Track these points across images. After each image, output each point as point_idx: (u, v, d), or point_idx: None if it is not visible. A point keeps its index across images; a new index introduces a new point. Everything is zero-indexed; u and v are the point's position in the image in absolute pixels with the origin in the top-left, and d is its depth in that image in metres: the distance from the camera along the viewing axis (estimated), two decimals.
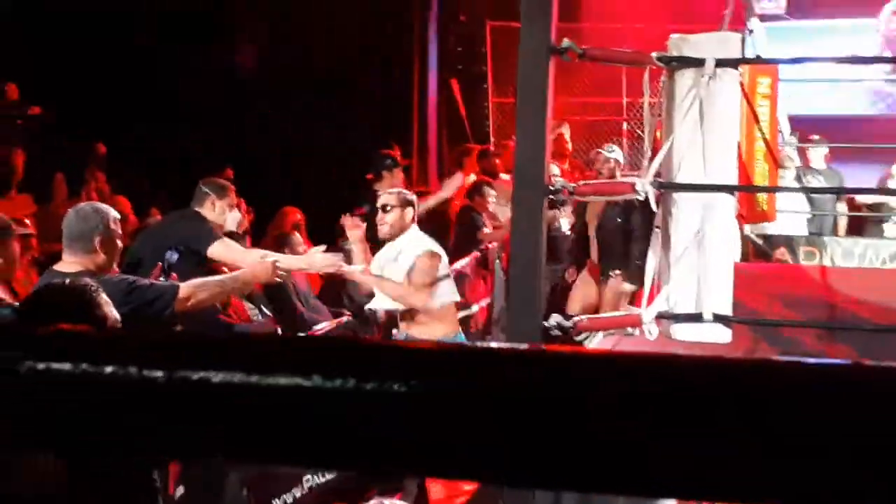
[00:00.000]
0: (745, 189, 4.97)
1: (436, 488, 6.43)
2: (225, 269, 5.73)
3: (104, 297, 3.23)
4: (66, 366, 0.60)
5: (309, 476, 5.24)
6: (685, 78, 4.17)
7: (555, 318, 4.15)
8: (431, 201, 8.59)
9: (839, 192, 10.61)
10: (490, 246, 9.11)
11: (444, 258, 6.34)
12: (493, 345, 0.60)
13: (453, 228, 9.25)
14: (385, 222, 6.29)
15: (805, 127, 10.49)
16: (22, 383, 0.61)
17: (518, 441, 0.58)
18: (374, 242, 6.46)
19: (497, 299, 8.93)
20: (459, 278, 8.64)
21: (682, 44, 4.19)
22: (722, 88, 4.15)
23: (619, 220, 7.96)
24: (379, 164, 8.53)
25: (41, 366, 0.60)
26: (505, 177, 9.65)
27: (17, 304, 4.58)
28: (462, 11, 15.92)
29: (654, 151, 4.37)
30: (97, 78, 14.11)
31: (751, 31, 8.38)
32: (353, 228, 6.32)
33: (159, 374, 0.59)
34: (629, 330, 4.32)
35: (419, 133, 15.57)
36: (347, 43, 14.54)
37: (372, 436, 0.58)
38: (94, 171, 13.10)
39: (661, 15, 12.24)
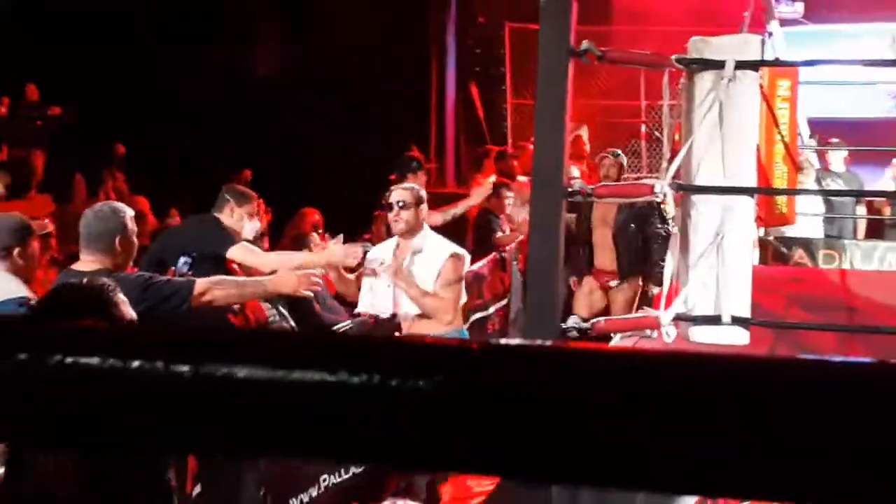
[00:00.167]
0: (765, 192, 4.95)
1: (446, 489, 6.43)
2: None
3: (121, 297, 3.24)
4: (94, 360, 0.60)
5: (326, 476, 5.25)
6: (704, 80, 4.16)
7: (572, 320, 4.15)
8: (459, 208, 8.56)
9: (859, 195, 10.55)
10: (507, 247, 9.11)
11: (468, 259, 6.25)
12: (518, 342, 0.60)
13: (471, 230, 9.25)
14: (401, 219, 6.11)
15: (824, 130, 10.45)
16: (50, 377, 0.61)
17: (525, 438, 0.58)
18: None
19: (514, 301, 8.93)
20: (477, 279, 8.65)
21: (702, 46, 4.18)
22: (741, 91, 4.14)
23: (633, 225, 7.94)
24: (404, 166, 8.53)
25: (69, 360, 0.61)
26: (523, 178, 9.64)
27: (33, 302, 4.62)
28: (480, 13, 15.92)
29: (673, 154, 4.36)
30: (113, 79, 14.16)
31: (770, 35, 8.36)
32: (351, 257, 6.04)
33: (185, 368, 0.59)
34: (647, 332, 4.31)
35: (437, 134, 15.57)
36: (366, 44, 14.57)
37: (397, 432, 0.58)
38: (113, 171, 13.16)
39: (687, 19, 12.21)
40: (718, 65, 4.10)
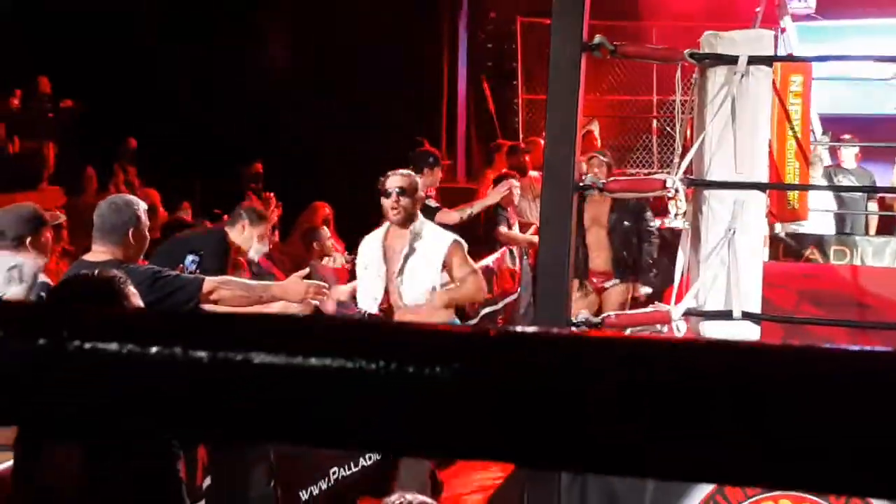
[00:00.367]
0: (777, 187, 4.94)
1: (452, 483, 6.43)
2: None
3: (131, 289, 3.26)
4: (113, 345, 0.61)
5: (335, 468, 5.26)
6: (717, 75, 4.15)
7: (583, 315, 4.15)
8: (476, 207, 8.53)
9: (871, 191, 10.53)
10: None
11: (466, 247, 6.07)
12: (530, 329, 0.61)
13: (481, 223, 9.24)
14: (400, 207, 5.84)
15: (836, 126, 10.42)
16: (69, 362, 0.61)
17: (538, 425, 0.58)
18: None
19: (523, 295, 8.93)
20: (487, 274, 8.65)
21: (715, 41, 4.17)
22: (754, 86, 4.13)
23: (627, 222, 7.83)
24: (421, 161, 8.52)
25: (88, 345, 0.61)
26: (534, 174, 9.64)
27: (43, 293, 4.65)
28: (492, 8, 15.91)
29: (685, 149, 4.36)
30: (119, 75, 14.18)
31: (783, 30, 8.34)
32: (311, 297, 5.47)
33: (203, 354, 0.59)
34: (657, 327, 4.31)
35: (448, 129, 15.57)
36: (378, 39, 14.56)
37: (414, 419, 0.59)
38: (124, 164, 13.19)
39: (700, 14, 12.18)
40: (731, 60, 4.09)
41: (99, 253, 4.57)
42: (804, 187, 5.46)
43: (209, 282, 4.68)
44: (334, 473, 5.27)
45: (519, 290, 9.02)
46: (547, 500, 3.66)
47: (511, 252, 9.15)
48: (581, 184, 4.11)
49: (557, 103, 3.91)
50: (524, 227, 9.26)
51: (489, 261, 8.82)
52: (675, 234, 6.88)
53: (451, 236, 5.94)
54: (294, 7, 15.77)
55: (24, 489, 3.04)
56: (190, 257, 5.84)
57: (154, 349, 0.60)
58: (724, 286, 4.15)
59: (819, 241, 8.08)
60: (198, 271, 5.66)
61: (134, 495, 3.04)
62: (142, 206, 4.75)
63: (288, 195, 9.91)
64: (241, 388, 0.59)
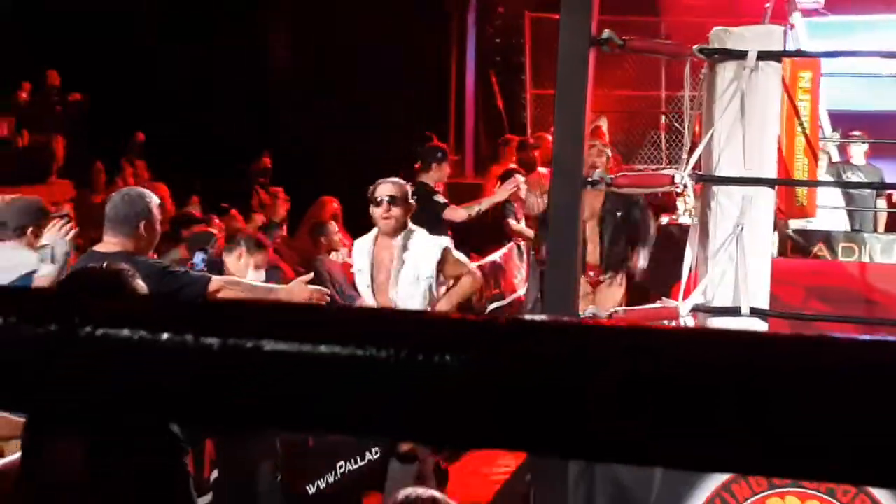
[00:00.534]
0: (786, 183, 4.93)
1: (459, 477, 6.43)
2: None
3: (140, 283, 3.26)
4: (124, 332, 0.61)
5: (342, 462, 5.27)
6: (727, 70, 4.15)
7: (591, 310, 4.15)
8: (484, 204, 8.51)
9: (880, 187, 10.51)
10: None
11: (452, 247, 5.97)
12: (539, 319, 0.61)
13: (489, 219, 9.24)
14: (392, 216, 5.66)
15: (844, 123, 10.39)
16: (80, 349, 0.62)
17: (547, 414, 0.58)
18: None
19: (531, 290, 8.93)
20: (494, 269, 8.66)
21: (724, 36, 4.16)
22: (763, 82, 4.13)
23: (620, 212, 7.63)
24: (429, 155, 8.51)
25: (99, 332, 0.61)
26: (542, 170, 9.63)
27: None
28: (500, 3, 15.90)
29: (693, 144, 4.35)
30: (126, 71, 14.20)
31: (792, 26, 8.32)
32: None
33: (214, 341, 0.60)
34: (665, 323, 4.31)
35: (456, 124, 15.57)
36: (385, 33, 14.56)
37: (423, 407, 0.59)
38: (132, 158, 13.21)
39: (709, 9, 12.15)
40: (741, 55, 4.08)
41: (109, 244, 4.59)
42: (813, 183, 5.46)
43: (216, 281, 4.70)
44: (341, 467, 5.27)
45: (527, 285, 9.02)
46: (554, 494, 3.66)
47: (518, 248, 9.15)
48: (590, 179, 4.11)
49: (566, 98, 3.90)
50: (529, 223, 9.24)
51: (496, 256, 8.83)
52: (683, 229, 6.86)
53: (439, 244, 5.79)
54: (297, 4, 15.78)
55: (27, 486, 3.04)
56: (199, 255, 5.85)
57: (165, 336, 0.60)
58: (732, 282, 4.15)
59: (827, 238, 8.06)
60: (205, 269, 5.68)
61: (141, 491, 3.04)
62: (155, 200, 4.78)
63: (291, 192, 9.92)
64: (252, 376, 0.59)
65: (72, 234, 4.42)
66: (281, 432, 4.62)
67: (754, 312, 4.09)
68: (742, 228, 4.12)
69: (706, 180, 4.21)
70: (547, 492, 3.75)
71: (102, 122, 13.30)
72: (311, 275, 5.44)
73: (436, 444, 4.91)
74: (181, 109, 14.13)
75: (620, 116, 14.10)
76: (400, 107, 14.20)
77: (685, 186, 4.13)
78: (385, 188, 5.72)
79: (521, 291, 8.99)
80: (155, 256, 5.06)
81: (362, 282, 5.85)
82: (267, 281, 7.11)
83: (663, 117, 14.20)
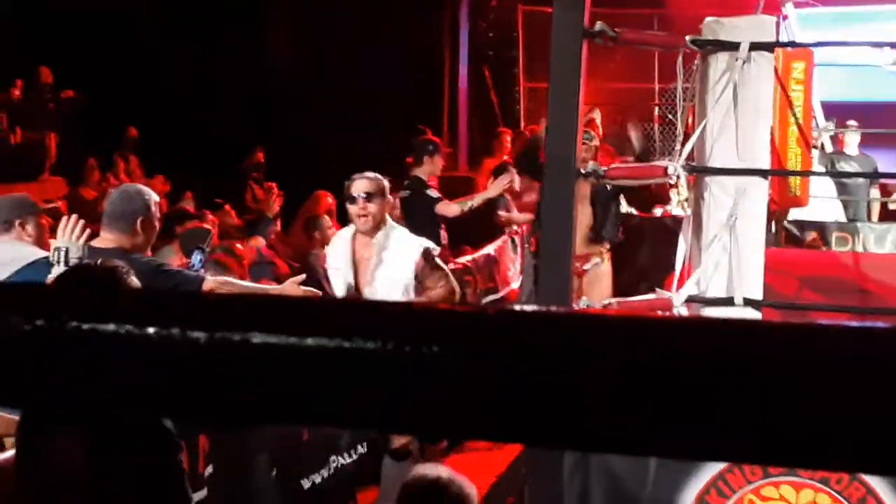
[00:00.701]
0: (778, 173, 4.94)
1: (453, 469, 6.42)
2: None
3: (134, 280, 3.26)
4: (111, 326, 0.61)
5: (334, 457, 5.26)
6: (719, 62, 4.15)
7: (584, 301, 4.16)
8: (477, 200, 8.48)
9: (872, 177, 10.52)
10: (518, 230, 9.09)
11: (437, 251, 5.77)
12: (529, 309, 0.60)
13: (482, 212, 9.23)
14: (367, 213, 5.44)
15: (837, 113, 10.40)
16: (67, 344, 0.62)
17: (540, 404, 0.58)
18: None
19: (526, 283, 8.93)
20: (488, 262, 8.66)
21: (717, 27, 4.16)
22: (756, 72, 4.13)
23: (609, 187, 7.43)
24: (421, 149, 8.49)
25: (86, 326, 0.61)
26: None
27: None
28: None
29: (686, 136, 4.36)
30: (124, 66, 14.17)
31: (785, 17, 8.32)
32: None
33: (201, 334, 0.59)
34: (659, 314, 4.31)
35: (449, 117, 15.57)
36: (378, 26, 14.55)
37: (412, 399, 0.59)
38: (126, 153, 13.19)
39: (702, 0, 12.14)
40: (733, 46, 4.09)
41: (106, 240, 4.59)
42: (806, 173, 5.46)
43: (209, 281, 4.70)
44: (333, 462, 5.27)
45: (521, 278, 9.01)
46: (550, 486, 3.67)
47: (513, 241, 9.14)
48: (583, 171, 4.11)
49: (559, 91, 3.90)
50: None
51: (490, 249, 8.83)
52: (677, 221, 6.85)
53: (419, 244, 5.58)
54: (294, 3, 15.76)
55: (24, 484, 3.04)
56: (196, 255, 5.83)
57: (152, 330, 0.60)
58: (725, 273, 4.15)
59: (821, 228, 8.06)
60: (202, 268, 5.67)
61: (136, 488, 3.04)
62: (153, 197, 4.78)
63: (287, 188, 9.90)
64: (240, 369, 0.59)
65: (85, 236, 4.41)
66: (271, 426, 4.62)
67: (748, 303, 4.10)
68: (735, 219, 4.13)
69: (699, 171, 4.21)
70: (542, 484, 3.75)
71: (100, 120, 13.27)
72: (304, 276, 5.41)
73: (426, 436, 4.92)
74: (179, 107, 14.11)
75: (614, 109, 14.10)
76: (394, 101, 14.19)
77: (678, 177, 4.13)
78: (360, 184, 5.51)
79: (516, 284, 8.98)
80: (150, 254, 5.05)
81: (340, 280, 5.63)
82: (261, 275, 7.12)
83: (656, 109, 14.21)
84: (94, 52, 13.92)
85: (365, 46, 14.61)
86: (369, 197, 5.44)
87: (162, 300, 0.65)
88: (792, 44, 6.15)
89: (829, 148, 10.09)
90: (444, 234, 8.27)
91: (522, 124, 14.01)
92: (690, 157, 4.22)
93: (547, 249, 4.02)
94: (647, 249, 8.08)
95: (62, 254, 4.57)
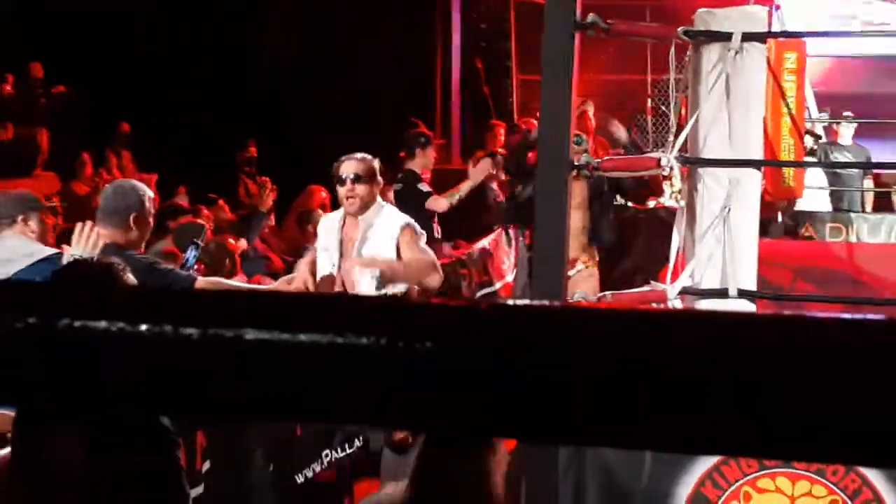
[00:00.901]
0: (772, 164, 4.94)
1: None
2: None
3: (130, 277, 3.25)
4: (102, 324, 0.60)
5: (327, 451, 5.26)
6: (711, 53, 4.14)
7: (579, 294, 4.16)
8: (462, 191, 8.43)
9: (865, 167, 10.53)
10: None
11: (423, 236, 5.58)
12: (521, 303, 0.60)
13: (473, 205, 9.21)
14: (356, 195, 5.35)
15: (833, 103, 10.41)
16: (59, 341, 0.61)
17: (532, 398, 0.58)
18: None
19: (520, 276, 8.92)
20: (482, 255, 8.65)
21: (709, 18, 4.16)
22: (748, 63, 4.13)
23: (607, 188, 7.39)
24: (413, 142, 8.49)
25: (78, 323, 0.61)
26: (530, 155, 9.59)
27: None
28: None
29: (679, 127, 4.35)
30: (119, 58, 14.15)
31: (777, 7, 8.32)
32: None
33: (193, 331, 0.59)
34: (653, 306, 4.31)
35: (442, 110, 15.55)
36: (370, 18, 14.53)
37: (405, 394, 0.58)
38: (118, 148, 13.17)
39: None
40: (725, 37, 4.08)
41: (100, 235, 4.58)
42: (799, 164, 5.46)
43: (201, 282, 4.70)
44: (326, 456, 5.27)
45: (515, 271, 9.01)
46: (544, 481, 3.67)
47: (507, 234, 9.14)
48: (576, 163, 4.10)
49: (551, 83, 3.90)
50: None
51: (485, 242, 8.82)
52: (670, 212, 6.84)
53: (402, 220, 5.46)
54: None
55: (21, 482, 3.03)
56: (191, 250, 5.81)
57: (144, 327, 0.60)
58: (719, 264, 4.16)
59: (814, 218, 8.08)
60: (195, 267, 5.66)
61: (133, 486, 3.03)
62: (148, 193, 4.76)
63: (283, 183, 9.88)
64: (233, 366, 0.59)
65: (101, 244, 4.41)
66: (265, 423, 4.61)
67: (742, 294, 4.10)
68: (729, 210, 4.13)
69: (692, 163, 4.21)
70: (537, 479, 3.75)
71: (93, 115, 13.25)
72: (294, 275, 5.39)
73: (419, 432, 4.91)
74: (173, 103, 14.09)
75: (606, 101, 14.09)
76: (385, 93, 14.17)
77: (672, 169, 4.13)
78: (349, 165, 5.43)
79: (510, 277, 8.98)
80: (144, 250, 5.04)
81: (327, 262, 5.50)
82: (255, 270, 7.11)
83: (649, 100, 14.21)
84: (88, 47, 13.90)
85: (356, 39, 14.59)
86: (357, 178, 5.36)
87: (154, 297, 0.65)
88: (784, 34, 6.15)
89: (822, 137, 10.10)
90: (437, 227, 8.27)
91: (515, 117, 13.98)
92: (684, 148, 4.21)
93: (541, 242, 4.01)
94: (641, 241, 8.07)
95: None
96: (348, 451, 5.35)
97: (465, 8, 15.91)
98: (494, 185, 9.32)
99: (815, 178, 9.05)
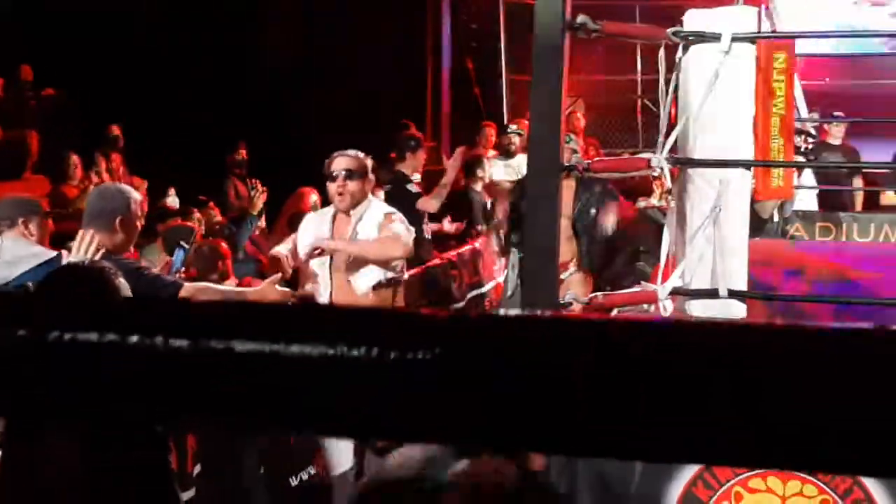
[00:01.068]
0: (761, 164, 4.94)
1: None
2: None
3: (122, 282, 3.25)
4: (92, 336, 0.60)
5: (321, 453, 5.26)
6: (700, 53, 4.15)
7: (570, 295, 4.16)
8: (444, 187, 8.42)
9: (855, 167, 10.55)
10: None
11: (407, 233, 5.45)
12: (514, 312, 0.60)
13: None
14: (346, 191, 5.32)
15: (823, 102, 10.43)
16: (48, 353, 0.61)
17: (524, 410, 0.58)
18: None
19: (511, 277, 8.92)
20: (473, 256, 8.66)
21: (698, 19, 4.17)
22: (738, 64, 4.14)
23: (594, 209, 7.36)
24: (403, 144, 8.49)
25: (67, 336, 0.61)
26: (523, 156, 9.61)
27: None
28: None
29: (669, 128, 4.36)
30: (112, 59, 14.13)
31: (767, 7, 8.34)
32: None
33: (184, 343, 0.59)
34: (644, 307, 4.32)
35: (433, 111, 15.54)
36: (359, 19, 14.52)
37: (397, 405, 0.58)
38: (107, 151, 13.13)
39: None
40: (714, 37, 4.09)
41: None
42: (790, 164, 5.47)
43: (187, 287, 4.66)
44: (321, 458, 5.27)
45: (506, 272, 9.02)
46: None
47: (497, 234, 9.15)
48: (567, 164, 4.11)
49: (542, 84, 3.90)
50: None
51: (475, 243, 8.83)
52: (660, 213, 6.85)
53: (385, 210, 5.43)
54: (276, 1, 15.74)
55: (12, 485, 3.03)
56: (178, 252, 5.79)
57: (134, 339, 0.59)
58: (710, 265, 4.16)
59: (804, 218, 8.09)
60: (181, 272, 5.65)
61: (123, 490, 3.03)
62: (134, 196, 4.73)
63: (274, 180, 9.87)
64: (223, 378, 0.59)
65: (101, 252, 4.39)
66: (257, 434, 4.60)
67: (732, 294, 4.10)
68: (719, 211, 4.13)
69: (682, 163, 4.22)
70: None
71: (89, 118, 13.22)
72: (280, 275, 5.37)
73: (415, 442, 4.89)
74: (164, 104, 14.07)
75: (596, 101, 14.11)
76: (375, 94, 14.17)
77: (661, 170, 4.14)
78: (340, 161, 5.40)
79: (501, 278, 8.98)
80: (136, 255, 5.03)
81: (318, 261, 5.42)
82: (245, 272, 7.10)
83: (639, 101, 14.23)
84: (87, 47, 13.88)
85: (346, 39, 14.58)
86: (349, 175, 5.32)
87: (145, 308, 0.64)
88: (773, 35, 6.16)
89: (816, 137, 10.12)
90: (427, 228, 8.27)
91: (506, 117, 13.99)
92: (674, 149, 4.22)
93: (532, 243, 4.02)
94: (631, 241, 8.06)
95: None
96: None
97: (456, 8, 15.91)
98: (479, 188, 9.33)
99: (806, 177, 9.08)
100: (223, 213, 9.60)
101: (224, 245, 6.52)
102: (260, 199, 8.36)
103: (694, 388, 0.57)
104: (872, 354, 0.56)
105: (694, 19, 4.17)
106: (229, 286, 5.54)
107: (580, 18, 3.97)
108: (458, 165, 8.58)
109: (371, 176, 5.55)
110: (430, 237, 8.38)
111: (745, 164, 4.29)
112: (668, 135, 4.23)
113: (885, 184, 10.97)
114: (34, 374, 0.62)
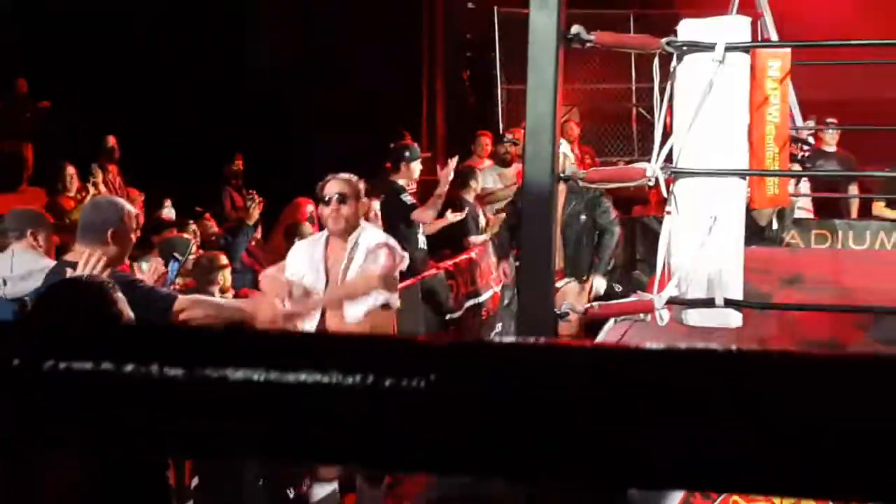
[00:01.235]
0: (756, 173, 4.95)
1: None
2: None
3: (120, 295, 3.23)
4: (88, 365, 0.60)
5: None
6: (695, 63, 4.16)
7: (567, 305, 4.15)
8: (439, 198, 8.40)
9: (849, 176, 10.56)
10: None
11: (404, 258, 5.45)
12: (509, 340, 0.60)
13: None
14: (340, 215, 5.27)
15: (818, 110, 10.44)
16: (44, 382, 0.61)
17: (518, 437, 0.58)
18: None
19: (507, 287, 8.92)
20: (470, 266, 8.66)
21: (692, 28, 4.18)
22: (732, 72, 4.14)
23: (584, 216, 7.31)
24: (398, 155, 8.48)
25: (63, 365, 0.61)
26: (519, 166, 9.60)
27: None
28: None
29: (664, 137, 4.36)
30: (109, 70, 14.13)
31: (761, 15, 8.35)
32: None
33: (179, 371, 0.59)
34: (640, 316, 4.32)
35: (428, 121, 15.55)
36: (355, 30, 14.54)
37: (391, 433, 0.58)
38: (103, 163, 13.13)
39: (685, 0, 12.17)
40: (709, 47, 4.10)
41: (78, 253, 4.53)
42: (785, 174, 5.47)
43: (181, 300, 4.60)
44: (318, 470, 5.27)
45: (503, 282, 9.02)
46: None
47: (493, 244, 9.15)
48: (562, 174, 4.11)
49: (537, 94, 3.90)
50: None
51: (471, 252, 8.84)
52: (656, 222, 6.86)
53: (377, 240, 5.36)
54: (274, 6, 15.74)
55: (13, 491, 3.02)
56: (173, 264, 5.77)
57: (129, 367, 0.59)
58: (706, 273, 4.16)
59: (800, 225, 8.10)
60: (175, 284, 5.64)
61: (122, 502, 3.02)
62: (127, 208, 4.68)
63: (271, 190, 9.87)
64: (218, 406, 0.59)
65: (108, 271, 4.38)
66: (254, 461, 4.59)
67: (728, 303, 4.11)
68: (714, 219, 4.14)
69: (677, 172, 4.22)
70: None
71: (85, 130, 13.22)
72: (274, 268, 5.38)
73: (411, 472, 4.85)
74: (161, 113, 14.07)
75: (591, 109, 14.13)
76: (371, 104, 14.18)
77: (657, 179, 4.14)
78: (334, 185, 5.34)
79: (497, 288, 8.99)
80: (129, 267, 5.03)
81: (311, 286, 5.27)
82: (241, 283, 7.09)
83: (634, 110, 14.25)
84: (86, 47, 13.88)
85: (342, 48, 14.60)
86: (342, 198, 5.28)
87: (140, 336, 0.64)
88: (767, 44, 6.17)
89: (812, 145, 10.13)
90: (422, 238, 8.27)
91: (502, 127, 14.00)
92: (669, 158, 4.22)
93: (528, 253, 4.02)
94: (628, 250, 8.09)
95: None
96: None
97: (451, 18, 15.94)
98: (471, 198, 9.33)
99: (806, 186, 9.10)
100: (219, 223, 9.59)
101: (223, 257, 6.52)
102: (256, 210, 8.35)
103: (691, 411, 0.57)
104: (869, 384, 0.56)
105: (688, 29, 4.18)
106: (225, 297, 5.53)
107: (574, 29, 3.97)
108: (450, 174, 8.56)
109: (364, 199, 5.52)
110: (425, 248, 8.38)
111: (741, 173, 4.30)
112: (663, 144, 4.23)
113: (879, 192, 10.98)
114: (31, 404, 0.62)
